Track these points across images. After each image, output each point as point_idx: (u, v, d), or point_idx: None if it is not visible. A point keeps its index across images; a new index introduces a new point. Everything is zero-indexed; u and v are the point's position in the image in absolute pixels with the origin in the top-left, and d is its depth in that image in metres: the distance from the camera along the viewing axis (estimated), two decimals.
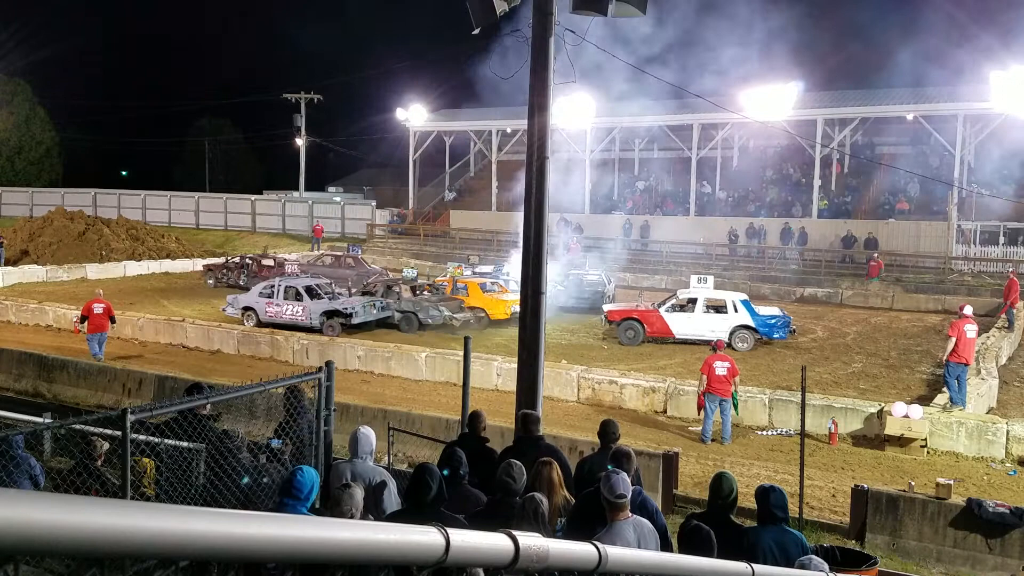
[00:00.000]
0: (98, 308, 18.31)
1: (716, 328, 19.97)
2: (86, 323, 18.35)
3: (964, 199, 32.81)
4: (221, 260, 34.38)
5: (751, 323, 20.22)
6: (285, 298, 22.12)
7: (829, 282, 30.49)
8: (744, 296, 21.57)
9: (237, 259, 32.68)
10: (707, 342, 19.92)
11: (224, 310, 23.38)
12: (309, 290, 22.34)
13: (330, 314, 21.60)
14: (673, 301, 21.11)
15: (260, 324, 21.98)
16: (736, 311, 20.29)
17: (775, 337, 20.22)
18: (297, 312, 21.82)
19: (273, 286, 22.71)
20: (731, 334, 20.06)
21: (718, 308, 20.58)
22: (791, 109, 33.75)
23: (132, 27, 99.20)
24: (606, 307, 22.52)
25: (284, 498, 4.89)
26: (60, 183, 62.53)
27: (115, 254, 37.58)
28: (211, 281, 31.57)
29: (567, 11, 8.68)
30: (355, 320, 21.47)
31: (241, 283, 29.37)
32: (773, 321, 20.32)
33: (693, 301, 20.79)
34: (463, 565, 1.85)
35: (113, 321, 18.77)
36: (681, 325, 20.63)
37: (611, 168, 42.51)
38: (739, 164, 41.54)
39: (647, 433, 13.67)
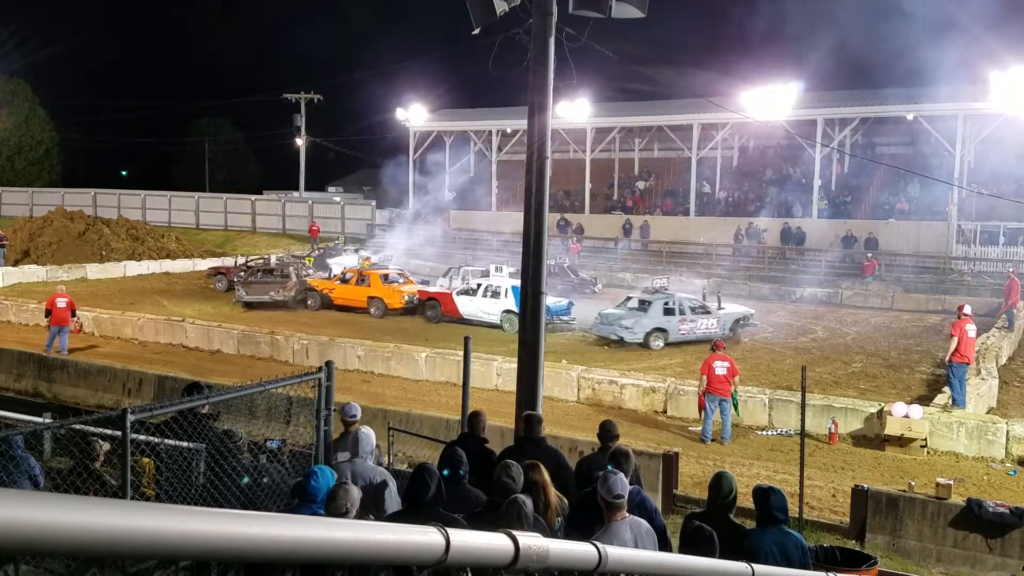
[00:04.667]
0: (61, 302, 19.03)
1: (490, 311, 22.88)
2: (50, 316, 19.03)
3: (964, 199, 32.78)
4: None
5: (515, 308, 21.48)
6: (693, 313, 20.97)
7: (829, 282, 30.43)
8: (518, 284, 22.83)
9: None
10: (486, 324, 22.70)
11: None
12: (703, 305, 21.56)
13: (740, 321, 21.50)
14: (464, 286, 24.03)
15: (667, 344, 20.49)
16: (507, 297, 22.48)
17: None
18: (711, 325, 20.78)
19: (672, 302, 21.11)
20: (500, 317, 22.62)
21: (495, 293, 22.99)
22: (791, 109, 33.71)
23: (132, 27, 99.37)
24: (418, 287, 25.82)
25: (300, 502, 4.88)
26: (60, 183, 62.38)
27: (115, 254, 37.54)
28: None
29: (568, 11, 8.67)
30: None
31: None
32: None
33: (479, 286, 23.55)
34: (463, 565, 1.85)
35: (74, 314, 19.49)
36: (465, 306, 23.49)
37: (611, 168, 42.48)
38: (739, 164, 41.53)
39: (647, 433, 13.67)
